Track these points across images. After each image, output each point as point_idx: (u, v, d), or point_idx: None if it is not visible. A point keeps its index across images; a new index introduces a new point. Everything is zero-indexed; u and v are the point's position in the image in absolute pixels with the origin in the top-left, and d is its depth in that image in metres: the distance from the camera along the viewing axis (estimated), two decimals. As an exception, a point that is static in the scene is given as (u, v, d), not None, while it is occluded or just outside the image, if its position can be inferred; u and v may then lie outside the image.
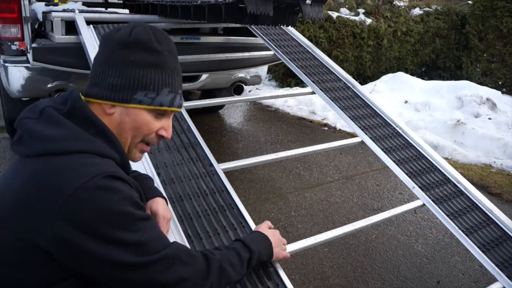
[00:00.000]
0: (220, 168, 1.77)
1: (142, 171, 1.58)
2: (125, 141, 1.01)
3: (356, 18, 7.04)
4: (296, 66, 2.66)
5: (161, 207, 1.23)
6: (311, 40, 5.72)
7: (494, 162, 4.02)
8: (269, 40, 2.87)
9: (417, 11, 7.71)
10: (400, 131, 2.32)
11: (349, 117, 2.32)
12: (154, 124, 1.01)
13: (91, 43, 2.42)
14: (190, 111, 2.14)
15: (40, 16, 3.12)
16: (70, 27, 2.73)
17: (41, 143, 0.89)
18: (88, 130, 0.93)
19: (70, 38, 2.73)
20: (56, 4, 3.67)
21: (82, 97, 1.00)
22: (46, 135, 0.89)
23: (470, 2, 8.15)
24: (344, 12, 7.29)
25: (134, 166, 1.60)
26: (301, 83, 6.58)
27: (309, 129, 4.91)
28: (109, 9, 3.98)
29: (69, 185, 0.83)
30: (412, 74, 6.88)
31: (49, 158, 0.87)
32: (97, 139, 0.94)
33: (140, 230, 0.89)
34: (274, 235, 1.28)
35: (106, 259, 0.85)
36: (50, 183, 0.84)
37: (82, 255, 0.85)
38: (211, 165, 1.76)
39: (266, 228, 1.30)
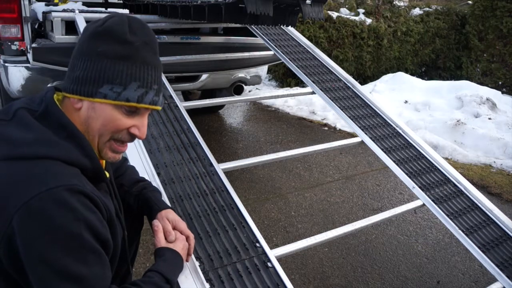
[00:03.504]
0: (220, 168, 1.77)
1: (142, 171, 1.58)
2: (93, 139, 0.95)
3: (356, 18, 7.03)
4: (296, 66, 2.66)
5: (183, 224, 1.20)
6: (311, 40, 5.71)
7: (494, 162, 4.02)
8: (269, 40, 2.87)
9: (417, 11, 7.71)
10: (400, 131, 2.32)
11: (349, 117, 2.32)
12: (123, 121, 0.94)
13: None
14: (190, 111, 2.14)
15: (40, 16, 3.12)
16: (70, 27, 2.73)
17: (8, 147, 0.85)
18: (59, 133, 0.89)
19: (70, 38, 2.73)
20: (56, 4, 3.66)
21: (59, 96, 0.98)
22: (13, 138, 0.86)
23: (470, 2, 8.14)
24: (344, 12, 7.29)
25: (134, 165, 1.60)
26: (301, 83, 6.58)
27: (309, 129, 4.91)
28: (109, 9, 3.98)
29: (24, 193, 0.79)
30: (412, 74, 6.88)
31: (13, 162, 0.84)
32: (67, 144, 0.89)
33: (86, 262, 0.83)
34: (182, 248, 1.16)
35: (41, 282, 0.81)
36: (6, 189, 0.81)
37: (23, 270, 0.81)
38: (211, 165, 1.76)
39: (178, 244, 1.15)
